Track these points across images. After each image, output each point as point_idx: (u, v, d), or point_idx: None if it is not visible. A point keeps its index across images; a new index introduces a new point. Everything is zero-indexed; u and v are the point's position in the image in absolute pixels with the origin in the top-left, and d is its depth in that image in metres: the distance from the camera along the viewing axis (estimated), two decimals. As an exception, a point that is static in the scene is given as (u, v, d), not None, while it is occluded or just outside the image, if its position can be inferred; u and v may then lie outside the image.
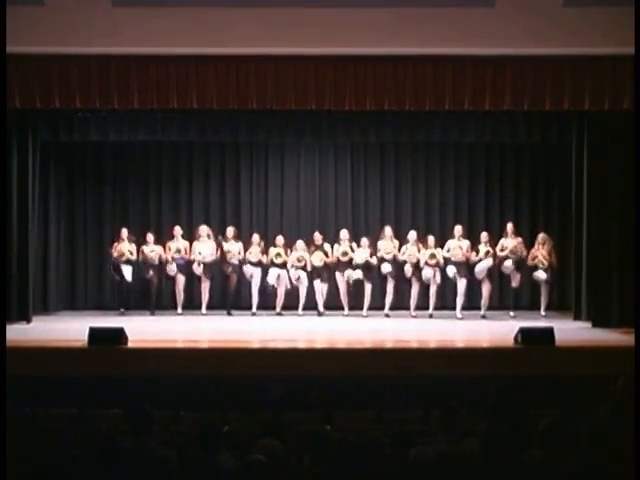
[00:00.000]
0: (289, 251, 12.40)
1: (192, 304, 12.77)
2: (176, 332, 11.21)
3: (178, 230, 12.59)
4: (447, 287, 12.44)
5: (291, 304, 12.49)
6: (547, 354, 9.24)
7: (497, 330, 11.00)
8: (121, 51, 10.48)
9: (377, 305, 12.40)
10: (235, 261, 12.40)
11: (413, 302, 12.25)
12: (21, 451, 5.15)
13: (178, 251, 12.39)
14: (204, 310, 12.51)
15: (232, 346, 9.82)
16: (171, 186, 13.59)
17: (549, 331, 9.48)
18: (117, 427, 6.01)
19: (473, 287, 12.45)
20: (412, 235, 12.27)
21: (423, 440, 5.52)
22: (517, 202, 13.50)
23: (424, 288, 12.17)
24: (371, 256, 12.14)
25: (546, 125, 12.26)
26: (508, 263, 12.09)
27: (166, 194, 13.57)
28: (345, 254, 12.19)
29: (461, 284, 12.15)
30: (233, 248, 12.42)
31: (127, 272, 12.39)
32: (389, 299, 12.31)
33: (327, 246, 12.40)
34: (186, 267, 12.50)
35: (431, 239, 12.18)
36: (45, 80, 10.58)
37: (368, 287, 12.25)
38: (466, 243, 12.17)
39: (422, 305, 12.25)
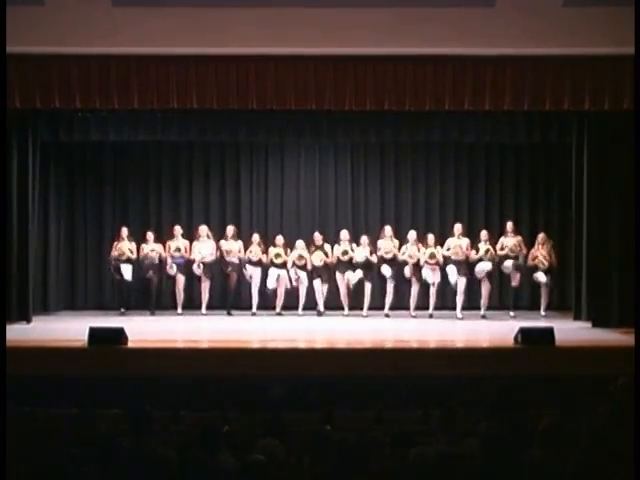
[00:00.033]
0: (289, 250, 12.41)
1: (192, 304, 12.77)
2: (176, 332, 11.21)
3: (178, 229, 12.60)
4: (447, 287, 12.43)
5: (291, 304, 12.49)
6: (547, 354, 9.24)
7: (497, 330, 11.00)
8: (121, 51, 10.48)
9: (377, 305, 12.40)
10: (235, 260, 12.41)
11: (413, 302, 12.25)
12: (21, 451, 5.15)
13: (178, 250, 12.40)
14: (204, 310, 12.51)
15: (232, 346, 9.82)
16: (171, 186, 13.59)
17: (549, 331, 9.48)
18: (117, 427, 6.01)
19: (473, 287, 12.46)
20: (412, 235, 12.27)
21: (423, 440, 5.52)
22: (517, 202, 13.50)
23: (424, 288, 12.17)
24: (371, 254, 12.15)
25: (546, 125, 12.26)
26: (508, 263, 12.09)
27: (166, 194, 13.57)
28: (345, 253, 12.19)
29: (461, 283, 12.15)
30: (233, 247, 12.43)
31: (127, 271, 12.39)
32: (389, 299, 12.32)
33: (327, 247, 12.41)
34: (186, 267, 12.50)
35: (431, 237, 12.18)
36: (45, 80, 10.58)
37: (368, 286, 12.25)
38: (466, 241, 12.17)
39: (422, 305, 12.25)
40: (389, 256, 12.12)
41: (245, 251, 12.41)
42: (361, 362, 9.26)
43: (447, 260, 12.09)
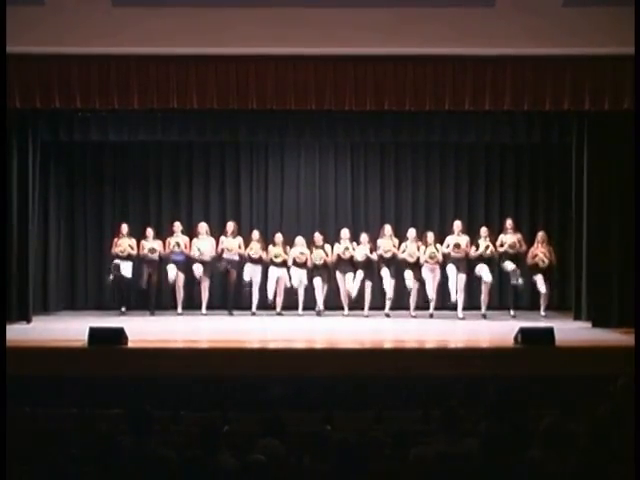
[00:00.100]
0: (288, 248, 12.40)
1: (192, 304, 12.76)
2: (176, 332, 11.20)
3: (178, 225, 12.59)
4: (447, 287, 12.41)
5: (291, 304, 12.48)
6: (547, 354, 9.24)
7: (497, 330, 11.00)
8: (121, 51, 10.48)
9: (377, 305, 12.40)
10: (235, 257, 12.41)
11: (413, 302, 12.25)
12: (21, 451, 5.16)
13: (177, 245, 12.38)
14: (204, 310, 12.50)
15: (232, 346, 9.81)
16: (171, 186, 13.58)
17: (549, 331, 9.48)
18: (117, 427, 6.01)
19: (473, 284, 12.45)
20: (411, 232, 12.26)
21: (423, 440, 5.53)
22: (517, 202, 13.50)
23: (424, 287, 12.16)
24: (371, 252, 12.15)
25: (546, 125, 12.26)
26: (508, 264, 12.08)
27: (166, 194, 13.57)
28: (346, 250, 12.19)
29: (461, 280, 12.14)
30: (233, 244, 12.42)
31: (127, 269, 12.38)
32: (390, 291, 12.27)
33: (327, 247, 12.41)
34: (185, 264, 12.49)
35: (430, 235, 12.18)
36: (45, 80, 10.58)
37: (369, 286, 12.25)
38: (465, 239, 12.17)
39: (422, 305, 12.24)
40: (388, 255, 12.12)
41: (245, 248, 12.41)
42: (361, 362, 9.25)
43: (447, 258, 12.09)
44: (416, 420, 7.09)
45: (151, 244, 12.43)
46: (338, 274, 12.33)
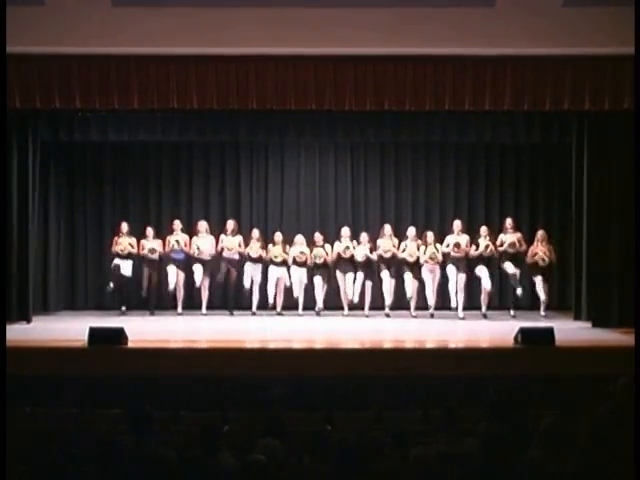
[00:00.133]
0: (287, 247, 12.40)
1: (192, 304, 12.76)
2: (176, 332, 11.21)
3: (178, 224, 12.58)
4: (447, 286, 12.41)
5: (291, 304, 12.49)
6: (547, 354, 9.24)
7: (497, 330, 10.99)
8: (121, 51, 10.48)
9: (377, 305, 12.40)
10: (235, 256, 12.40)
11: (413, 302, 12.25)
12: (21, 451, 5.16)
13: (177, 242, 12.37)
14: (204, 310, 12.50)
15: (232, 346, 9.81)
16: (171, 186, 13.58)
17: (549, 331, 9.48)
18: (117, 427, 6.02)
19: (473, 286, 12.45)
20: (411, 231, 12.25)
21: (423, 440, 5.53)
22: (517, 202, 13.50)
23: (424, 288, 12.15)
24: (371, 251, 12.15)
25: (546, 125, 12.26)
26: (508, 264, 12.08)
27: (166, 194, 13.57)
28: (347, 248, 12.19)
29: (461, 280, 12.14)
30: (233, 242, 12.41)
31: (127, 268, 12.37)
32: (389, 299, 12.30)
33: (327, 246, 12.41)
34: (185, 262, 12.48)
35: (430, 235, 12.17)
36: (45, 80, 10.58)
37: (369, 285, 12.25)
38: (465, 238, 12.17)
39: (422, 305, 12.24)
40: (388, 255, 12.12)
41: (245, 248, 12.41)
42: (361, 362, 9.25)
43: (446, 258, 12.09)
44: (416, 420, 7.10)
45: (151, 244, 12.42)
46: (338, 274, 12.33)
